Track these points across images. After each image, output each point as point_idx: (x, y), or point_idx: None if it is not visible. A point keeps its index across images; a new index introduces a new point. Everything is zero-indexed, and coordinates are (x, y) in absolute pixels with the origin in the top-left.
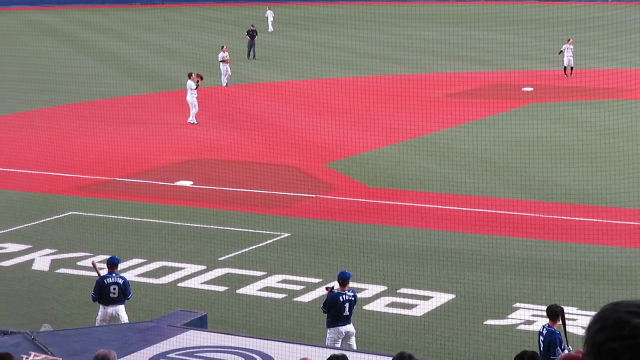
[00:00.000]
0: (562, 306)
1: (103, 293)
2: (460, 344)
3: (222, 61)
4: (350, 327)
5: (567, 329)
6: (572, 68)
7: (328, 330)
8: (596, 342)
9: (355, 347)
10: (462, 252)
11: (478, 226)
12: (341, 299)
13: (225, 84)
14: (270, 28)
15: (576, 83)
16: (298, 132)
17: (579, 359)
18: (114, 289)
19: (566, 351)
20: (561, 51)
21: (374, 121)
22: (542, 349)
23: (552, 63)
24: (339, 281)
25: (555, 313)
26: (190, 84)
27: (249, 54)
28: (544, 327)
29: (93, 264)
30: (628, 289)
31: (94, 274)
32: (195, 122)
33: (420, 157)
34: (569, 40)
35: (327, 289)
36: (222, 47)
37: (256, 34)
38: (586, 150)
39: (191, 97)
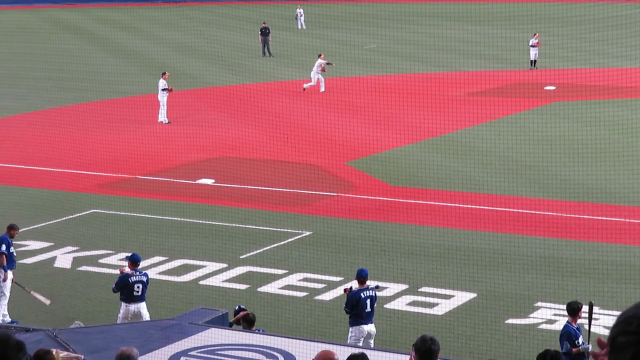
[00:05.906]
0: (592, 302)
1: (127, 291)
2: (482, 343)
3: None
4: (372, 327)
5: (590, 328)
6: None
7: (350, 329)
8: (611, 335)
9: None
10: (484, 251)
11: (500, 225)
12: (363, 296)
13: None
14: (302, 26)
15: (599, 82)
16: (320, 130)
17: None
18: (138, 287)
19: (581, 348)
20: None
21: (395, 119)
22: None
23: (575, 61)
24: (357, 279)
25: (573, 309)
26: (163, 83)
27: (263, 52)
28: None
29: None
30: None
31: (116, 271)
32: (167, 121)
33: (442, 156)
34: (535, 34)
35: (345, 290)
36: None
37: (269, 32)
38: (609, 149)
39: (162, 97)
